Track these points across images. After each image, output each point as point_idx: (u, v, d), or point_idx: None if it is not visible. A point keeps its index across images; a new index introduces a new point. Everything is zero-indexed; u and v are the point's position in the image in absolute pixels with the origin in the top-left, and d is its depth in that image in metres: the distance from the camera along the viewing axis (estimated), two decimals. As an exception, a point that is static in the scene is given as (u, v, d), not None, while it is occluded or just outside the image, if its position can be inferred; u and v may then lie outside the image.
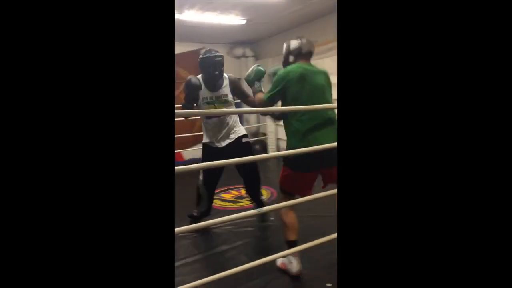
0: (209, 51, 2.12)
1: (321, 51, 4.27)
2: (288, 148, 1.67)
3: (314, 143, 1.53)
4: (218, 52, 2.14)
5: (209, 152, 2.21)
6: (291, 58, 1.79)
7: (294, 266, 1.66)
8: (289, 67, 1.72)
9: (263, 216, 2.49)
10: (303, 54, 1.77)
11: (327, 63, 4.14)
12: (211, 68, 2.06)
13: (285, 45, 1.82)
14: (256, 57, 6.11)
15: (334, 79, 4.59)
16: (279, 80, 1.68)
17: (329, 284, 1.60)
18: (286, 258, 1.69)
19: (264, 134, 5.84)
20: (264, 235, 2.39)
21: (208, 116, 2.13)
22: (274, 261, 1.66)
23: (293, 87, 1.64)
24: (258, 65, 1.94)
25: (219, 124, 2.16)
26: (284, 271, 1.71)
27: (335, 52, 4.03)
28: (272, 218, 2.54)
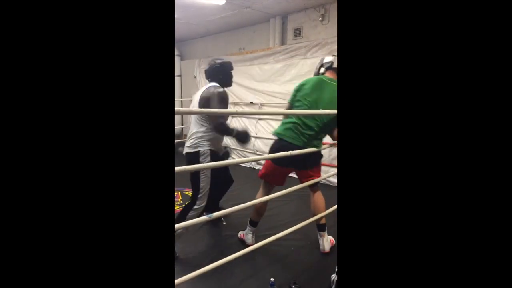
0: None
1: (247, 59, 4.42)
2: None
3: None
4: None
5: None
6: (322, 70, 2.03)
7: (250, 238, 2.13)
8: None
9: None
10: (333, 68, 2.01)
11: (254, 70, 4.30)
12: None
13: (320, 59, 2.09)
14: (181, 56, 6.00)
15: (261, 86, 4.69)
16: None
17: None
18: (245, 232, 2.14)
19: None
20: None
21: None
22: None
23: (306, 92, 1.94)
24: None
25: None
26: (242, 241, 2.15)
27: (261, 60, 4.23)
28: (224, 223, 2.48)
